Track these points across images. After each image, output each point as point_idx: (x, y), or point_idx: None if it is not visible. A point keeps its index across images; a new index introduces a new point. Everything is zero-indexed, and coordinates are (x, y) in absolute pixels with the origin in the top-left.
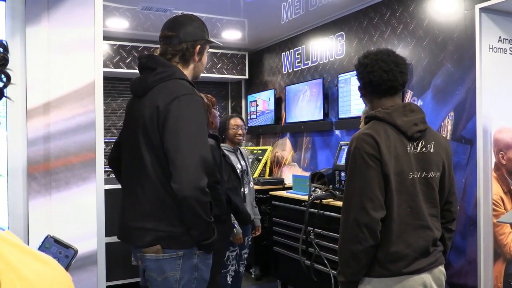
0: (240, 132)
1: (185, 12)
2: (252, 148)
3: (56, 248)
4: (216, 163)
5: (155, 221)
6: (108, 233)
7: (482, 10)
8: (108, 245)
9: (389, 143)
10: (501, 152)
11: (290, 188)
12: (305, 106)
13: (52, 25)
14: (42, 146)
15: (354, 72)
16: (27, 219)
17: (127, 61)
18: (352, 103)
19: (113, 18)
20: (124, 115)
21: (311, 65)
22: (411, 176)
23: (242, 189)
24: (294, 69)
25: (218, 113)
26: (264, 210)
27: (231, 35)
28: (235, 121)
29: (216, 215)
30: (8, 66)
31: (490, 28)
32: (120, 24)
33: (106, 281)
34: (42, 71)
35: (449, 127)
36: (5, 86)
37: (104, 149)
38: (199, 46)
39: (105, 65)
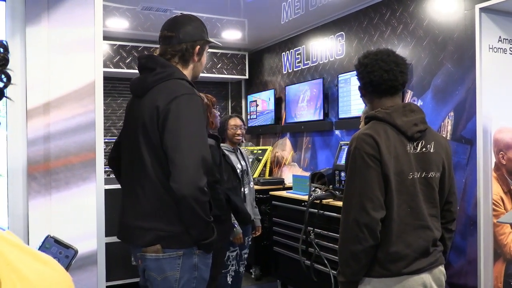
0: (239, 132)
1: (184, 13)
2: (252, 148)
3: (56, 248)
4: (215, 163)
5: (155, 220)
6: (108, 233)
7: (482, 10)
8: (108, 245)
9: (389, 143)
10: (501, 152)
11: (290, 188)
12: (305, 106)
13: (52, 25)
14: (42, 146)
15: (354, 72)
16: (27, 219)
17: (127, 61)
18: (352, 103)
19: (113, 18)
20: (124, 115)
21: (311, 65)
22: (411, 176)
23: (242, 189)
24: (294, 69)
25: (219, 113)
26: (264, 210)
27: (231, 35)
28: (234, 121)
29: (216, 215)
30: (8, 66)
31: (490, 28)
32: (120, 24)
33: (106, 281)
34: (42, 71)
35: (449, 127)
36: (5, 86)
37: (104, 149)
38: (198, 47)
39: (105, 65)
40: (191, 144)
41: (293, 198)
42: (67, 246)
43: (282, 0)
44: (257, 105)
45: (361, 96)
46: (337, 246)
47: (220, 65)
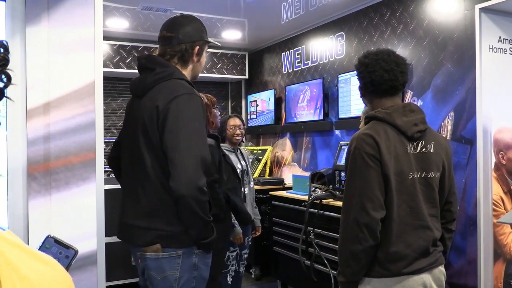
0: (238, 132)
1: (184, 13)
2: (252, 148)
3: (57, 248)
4: (214, 162)
5: (155, 220)
6: (108, 233)
7: (482, 10)
8: (108, 245)
9: (389, 143)
10: (501, 152)
11: (290, 188)
12: (305, 106)
13: (52, 25)
14: (42, 146)
15: (354, 72)
16: (27, 219)
17: (127, 61)
18: (352, 103)
19: (113, 18)
20: (124, 115)
21: (311, 65)
22: (411, 176)
23: (242, 189)
24: (294, 69)
25: (219, 112)
26: (264, 210)
27: (231, 35)
28: (233, 121)
29: (215, 214)
30: (8, 66)
31: (490, 28)
32: (120, 24)
33: (106, 281)
34: (42, 71)
35: (449, 127)
36: (5, 86)
37: (104, 149)
38: (197, 47)
39: (105, 65)
40: (190, 144)
41: (293, 198)
42: (67, 246)
43: (282, 0)
44: (257, 105)
45: (361, 96)
46: (337, 246)
47: (220, 65)
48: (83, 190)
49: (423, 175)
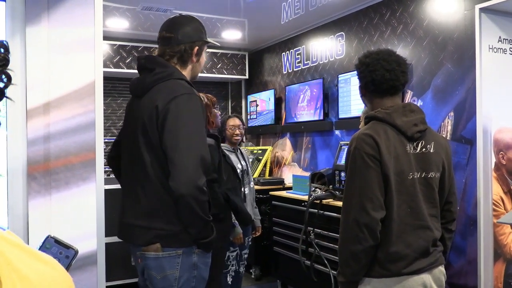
0: (237, 132)
1: (184, 13)
2: (252, 148)
3: (57, 248)
4: (214, 162)
5: (155, 220)
6: (108, 233)
7: (482, 10)
8: (108, 245)
9: (389, 144)
10: (501, 152)
11: (290, 188)
12: (305, 106)
13: (52, 25)
14: (42, 146)
15: (354, 72)
16: (27, 219)
17: (127, 61)
18: (352, 103)
19: (113, 18)
20: (124, 115)
21: (311, 65)
22: (411, 177)
23: (242, 189)
24: (294, 69)
25: (219, 112)
26: (264, 210)
27: (231, 35)
28: (232, 121)
29: (214, 214)
30: (8, 66)
31: (490, 28)
32: (120, 24)
33: (106, 281)
34: (42, 71)
35: (449, 127)
36: (6, 86)
37: (104, 149)
38: (197, 47)
39: (105, 65)
40: (190, 144)
41: (293, 198)
42: (67, 246)
43: (282, 0)
44: (257, 105)
45: (361, 96)
46: (337, 246)
47: (220, 65)
48: (83, 190)
49: (423, 175)
